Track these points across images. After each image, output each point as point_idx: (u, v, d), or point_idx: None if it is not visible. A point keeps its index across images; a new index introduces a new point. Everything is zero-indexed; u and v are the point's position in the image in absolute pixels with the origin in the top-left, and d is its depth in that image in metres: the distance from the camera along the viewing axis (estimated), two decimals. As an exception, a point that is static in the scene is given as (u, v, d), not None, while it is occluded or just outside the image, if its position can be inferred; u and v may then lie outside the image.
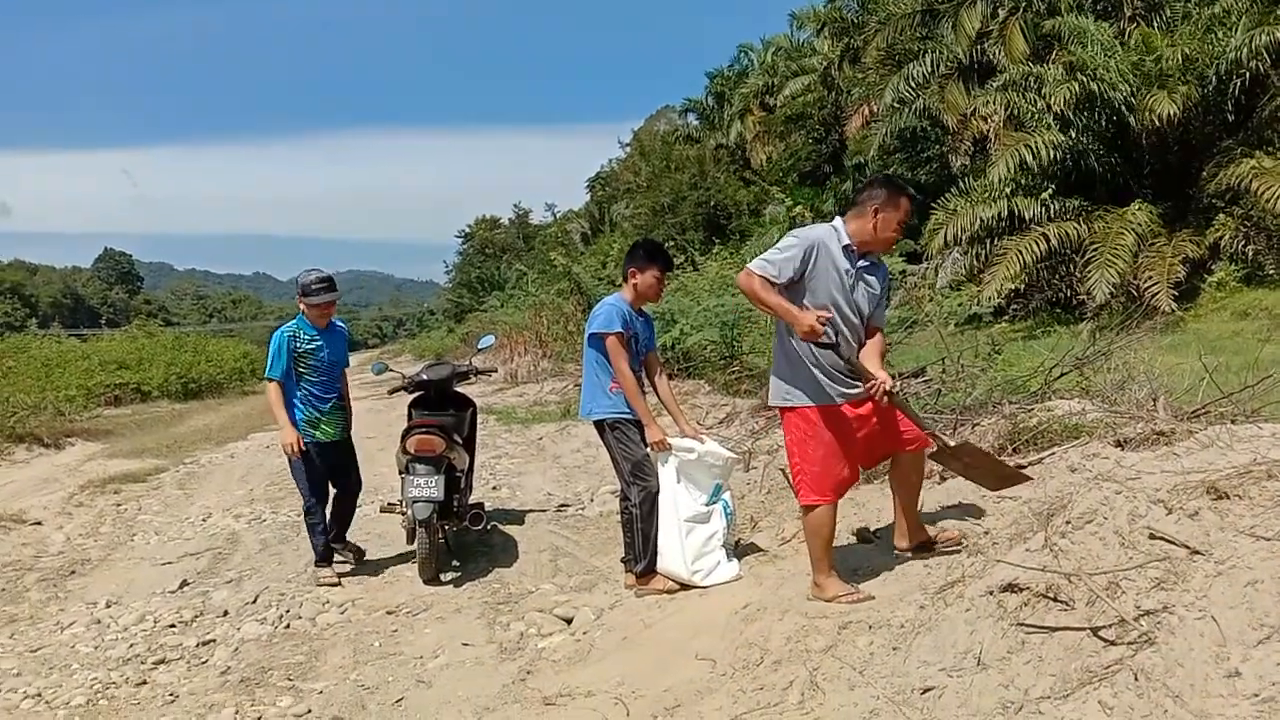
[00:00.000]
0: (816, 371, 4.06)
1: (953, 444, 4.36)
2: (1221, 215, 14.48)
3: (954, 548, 4.23)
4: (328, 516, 5.98)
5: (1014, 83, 17.04)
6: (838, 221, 4.16)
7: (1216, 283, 14.22)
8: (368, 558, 6.35)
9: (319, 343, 5.85)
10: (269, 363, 5.84)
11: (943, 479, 5.18)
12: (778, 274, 3.96)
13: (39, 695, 4.32)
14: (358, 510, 6.44)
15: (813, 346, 4.00)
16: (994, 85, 17.70)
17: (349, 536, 6.33)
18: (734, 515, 5.23)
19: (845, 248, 4.06)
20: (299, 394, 5.84)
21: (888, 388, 3.96)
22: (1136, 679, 2.47)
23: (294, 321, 5.89)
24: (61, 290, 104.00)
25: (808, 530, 4.21)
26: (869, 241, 4.09)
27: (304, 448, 5.75)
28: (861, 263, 4.11)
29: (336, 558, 6.09)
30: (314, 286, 5.79)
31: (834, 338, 3.99)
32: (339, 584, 5.81)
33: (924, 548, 4.33)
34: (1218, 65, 14.45)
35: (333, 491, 6.13)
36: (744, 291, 4.07)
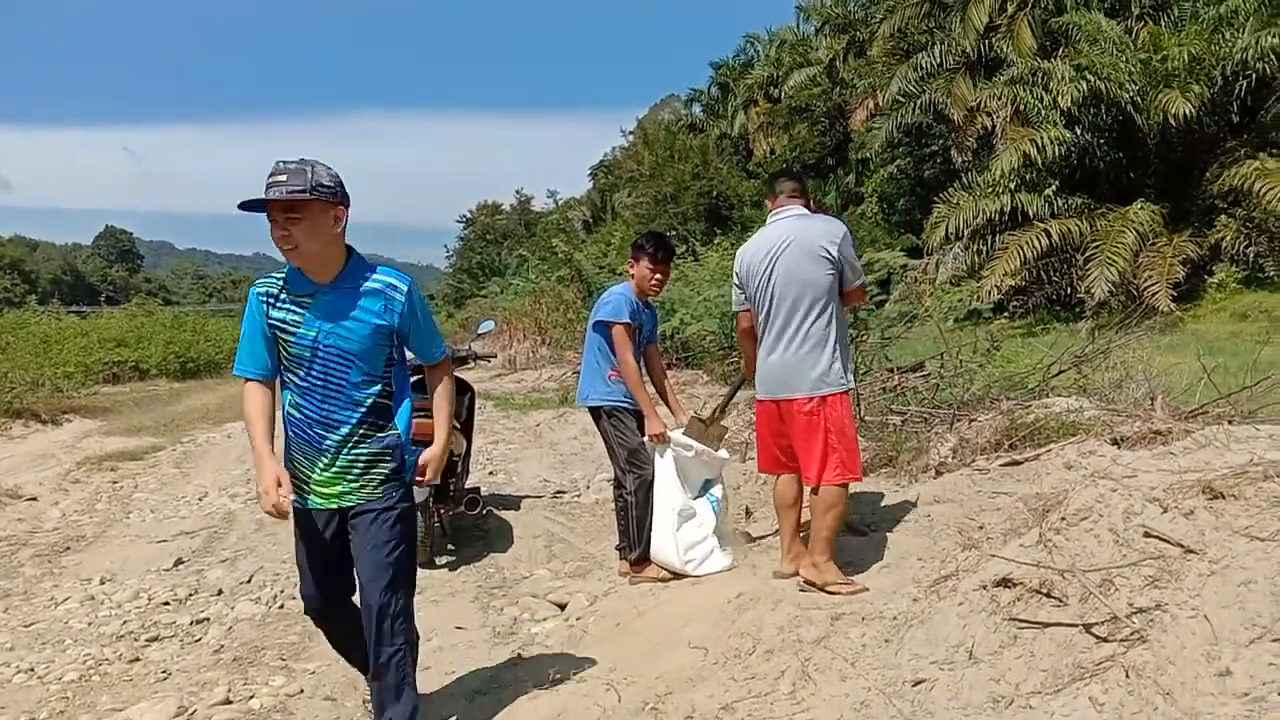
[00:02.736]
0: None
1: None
2: (1224, 216, 14.51)
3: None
4: (343, 626, 3.32)
5: (1021, 78, 17.03)
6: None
7: (1217, 284, 14.25)
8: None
9: (303, 313, 3.00)
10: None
11: (939, 473, 5.17)
12: None
13: (31, 670, 4.32)
14: None
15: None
16: (1001, 79, 17.67)
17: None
18: (725, 507, 5.22)
19: None
20: (284, 406, 3.14)
21: None
22: (1128, 676, 2.47)
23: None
24: (61, 266, 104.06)
25: (827, 508, 4.15)
26: None
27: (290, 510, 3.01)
28: None
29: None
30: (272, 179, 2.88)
31: None
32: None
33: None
34: (1224, 66, 14.43)
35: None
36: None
